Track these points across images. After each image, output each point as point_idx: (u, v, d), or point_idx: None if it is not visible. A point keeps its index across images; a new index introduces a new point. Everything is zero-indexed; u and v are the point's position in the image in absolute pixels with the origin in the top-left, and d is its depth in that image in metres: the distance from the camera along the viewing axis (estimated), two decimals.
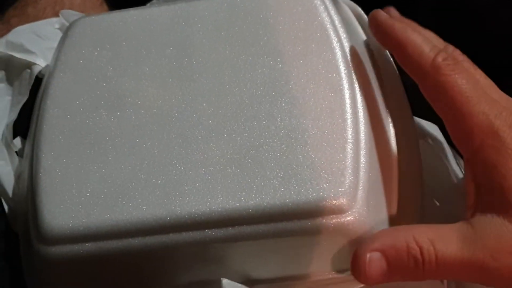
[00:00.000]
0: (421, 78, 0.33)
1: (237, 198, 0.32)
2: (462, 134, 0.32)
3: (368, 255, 0.31)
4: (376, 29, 0.36)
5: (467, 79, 0.32)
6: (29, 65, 0.43)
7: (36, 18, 0.47)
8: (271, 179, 0.32)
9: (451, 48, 0.34)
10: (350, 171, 0.32)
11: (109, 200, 0.33)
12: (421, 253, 0.31)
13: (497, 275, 0.30)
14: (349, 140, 0.33)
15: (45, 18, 0.46)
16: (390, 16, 0.36)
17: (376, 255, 0.31)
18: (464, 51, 0.36)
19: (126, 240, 0.32)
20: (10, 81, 0.44)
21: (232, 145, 0.33)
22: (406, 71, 0.35)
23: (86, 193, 0.33)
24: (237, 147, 0.33)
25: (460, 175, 0.39)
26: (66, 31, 0.40)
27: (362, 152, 0.33)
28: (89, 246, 0.33)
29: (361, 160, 0.33)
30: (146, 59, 0.37)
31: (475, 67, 0.34)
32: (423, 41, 0.34)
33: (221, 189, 0.32)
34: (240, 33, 0.36)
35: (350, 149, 0.33)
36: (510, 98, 0.34)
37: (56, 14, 0.47)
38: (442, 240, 0.31)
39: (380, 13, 0.36)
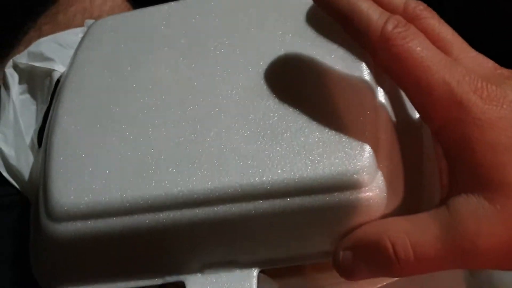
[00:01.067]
0: (373, 52, 0.30)
1: (252, 173, 0.31)
2: (425, 108, 0.29)
3: (340, 254, 0.30)
4: (318, 1, 0.32)
5: (422, 45, 0.29)
6: (50, 72, 0.44)
7: (67, 25, 0.48)
8: (288, 154, 0.31)
9: (412, 3, 0.31)
10: (369, 146, 0.31)
11: (120, 176, 0.32)
12: (395, 250, 0.28)
13: (479, 261, 0.28)
14: (368, 115, 0.32)
15: (75, 25, 0.47)
16: None
17: (348, 254, 0.30)
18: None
19: (137, 217, 0.31)
20: (34, 91, 0.45)
21: (247, 122, 0.32)
22: (358, 44, 0.32)
23: (96, 171, 0.33)
24: (252, 124, 0.32)
25: None
26: (86, 32, 0.41)
27: (382, 128, 0.32)
28: (99, 223, 0.32)
29: (382, 136, 0.31)
30: (161, 47, 0.37)
31: (440, 21, 0.31)
32: (370, 9, 0.30)
33: (236, 164, 0.31)
34: (256, 15, 0.36)
35: (370, 124, 0.31)
36: (480, 55, 0.31)
37: None
38: (418, 230, 0.28)
39: None
